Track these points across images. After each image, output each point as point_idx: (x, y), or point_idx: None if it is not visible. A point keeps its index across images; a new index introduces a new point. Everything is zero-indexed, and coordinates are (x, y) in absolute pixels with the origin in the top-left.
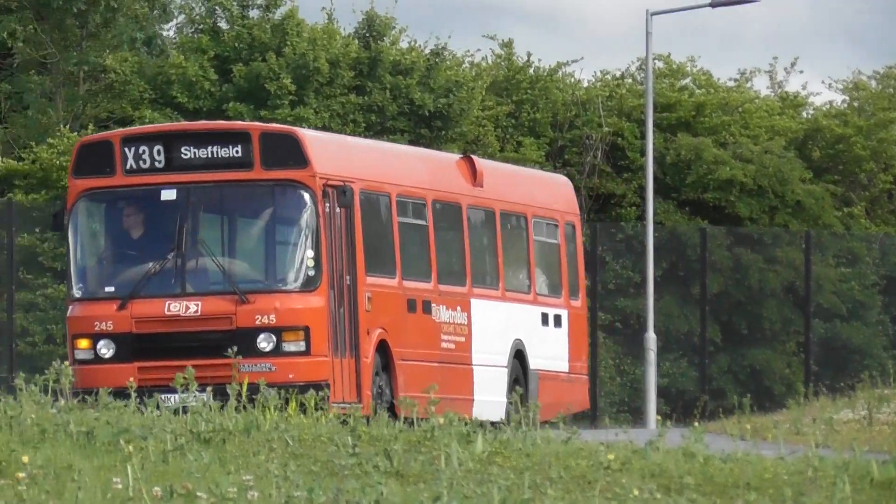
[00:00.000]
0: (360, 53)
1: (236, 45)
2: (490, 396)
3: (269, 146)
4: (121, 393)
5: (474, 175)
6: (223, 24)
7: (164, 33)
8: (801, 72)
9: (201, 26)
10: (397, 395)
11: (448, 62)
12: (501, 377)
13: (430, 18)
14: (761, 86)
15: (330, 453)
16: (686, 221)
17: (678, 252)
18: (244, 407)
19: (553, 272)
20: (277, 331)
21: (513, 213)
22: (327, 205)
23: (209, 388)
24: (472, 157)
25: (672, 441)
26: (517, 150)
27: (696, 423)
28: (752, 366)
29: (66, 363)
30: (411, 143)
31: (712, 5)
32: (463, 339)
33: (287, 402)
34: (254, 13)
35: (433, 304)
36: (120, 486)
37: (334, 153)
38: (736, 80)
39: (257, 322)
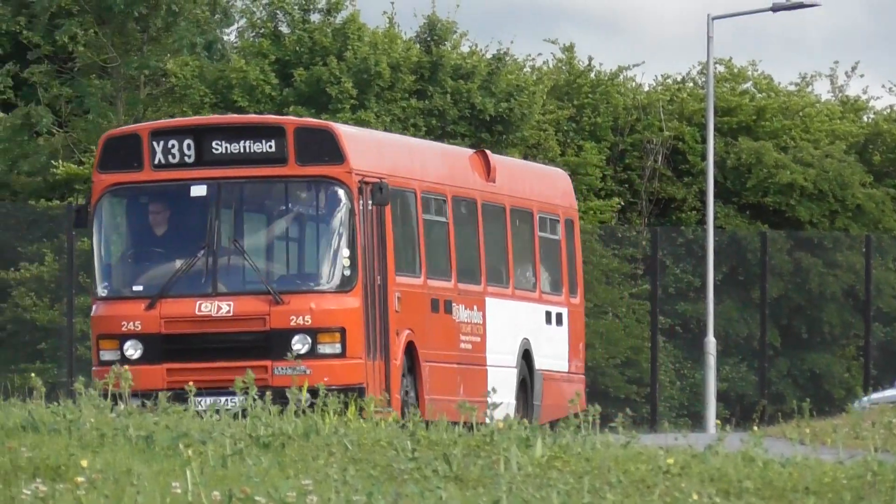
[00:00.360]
0: (422, 58)
1: (297, 49)
2: (503, 398)
3: (305, 141)
4: (147, 396)
5: (488, 170)
6: (284, 29)
7: (225, 37)
8: (862, 76)
9: (262, 30)
10: (422, 397)
11: (509, 66)
12: (511, 378)
13: (491, 23)
14: (822, 90)
15: (389, 457)
16: (746, 225)
17: (738, 256)
18: (304, 411)
19: (554, 269)
20: (313, 332)
21: (521, 208)
22: (362, 202)
23: (253, 392)
24: (486, 151)
25: (731, 445)
26: (577, 155)
27: (756, 428)
28: (811, 370)
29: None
30: (472, 147)
31: (773, 9)
32: (479, 339)
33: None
34: (315, 17)
35: (454, 304)
36: (179, 491)
37: (367, 148)
38: (797, 84)
39: (292, 323)
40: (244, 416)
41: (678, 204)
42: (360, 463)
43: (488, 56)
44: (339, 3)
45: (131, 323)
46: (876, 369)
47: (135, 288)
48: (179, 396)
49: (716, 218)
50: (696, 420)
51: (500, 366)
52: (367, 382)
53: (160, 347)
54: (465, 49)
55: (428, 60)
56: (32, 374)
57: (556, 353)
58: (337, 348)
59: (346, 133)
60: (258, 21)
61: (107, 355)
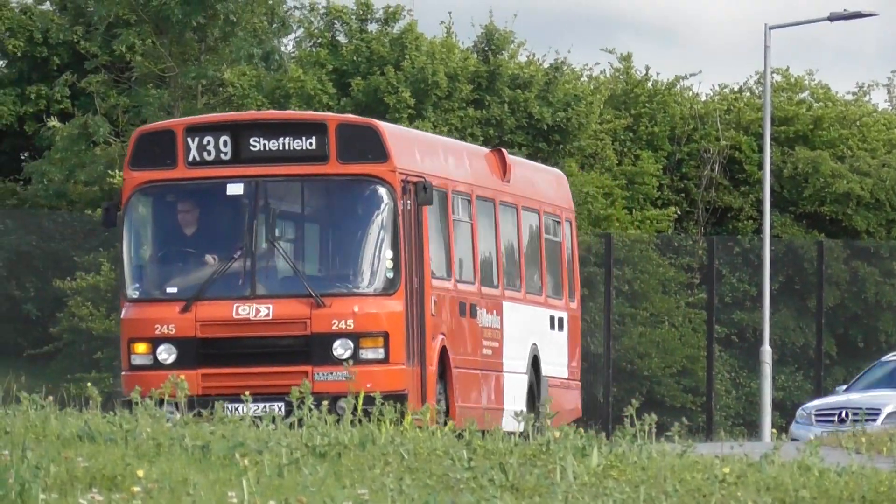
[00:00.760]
0: (479, 67)
1: (355, 58)
2: (514, 405)
3: (347, 138)
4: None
5: (504, 170)
6: (342, 38)
7: (283, 47)
8: None
9: (320, 40)
10: (453, 404)
11: (566, 76)
12: (523, 385)
13: (548, 32)
14: (879, 99)
15: (445, 467)
16: (803, 235)
17: (795, 265)
18: (359, 421)
19: (556, 272)
20: (355, 337)
21: (530, 209)
22: (404, 202)
23: (309, 402)
24: (502, 150)
25: (787, 454)
26: (634, 164)
27: (812, 437)
28: None
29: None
30: (529, 157)
31: (830, 19)
32: (497, 344)
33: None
34: (372, 27)
35: (478, 308)
36: (235, 501)
37: (408, 146)
38: (854, 93)
39: (334, 327)
40: (299, 425)
41: (735, 213)
42: (416, 472)
43: (545, 65)
44: (396, 12)
45: (165, 326)
46: None
47: (168, 290)
48: (214, 403)
49: (772, 227)
50: (751, 429)
51: (514, 372)
52: (409, 389)
53: (195, 352)
54: (522, 58)
55: (485, 70)
56: (88, 384)
57: (558, 359)
58: (380, 353)
59: (390, 130)
60: (315, 31)
61: (138, 360)
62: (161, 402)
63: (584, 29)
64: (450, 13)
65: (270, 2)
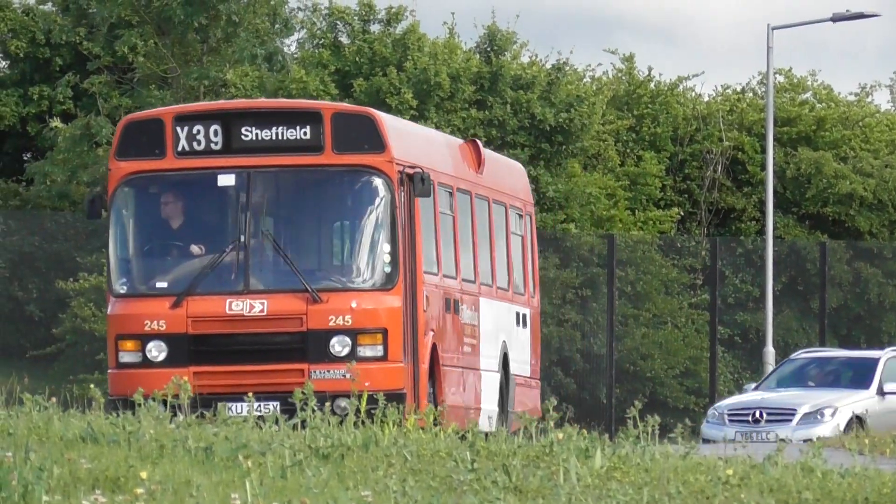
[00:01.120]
0: (482, 68)
1: (357, 59)
2: (489, 405)
3: (343, 128)
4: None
5: (479, 161)
6: (344, 39)
7: (285, 48)
8: None
9: (322, 41)
10: (441, 403)
11: (569, 76)
12: (496, 383)
13: (550, 33)
14: (881, 100)
15: (449, 468)
16: (806, 235)
17: (798, 266)
18: (362, 422)
19: (520, 267)
20: (353, 333)
21: (499, 202)
22: (401, 193)
23: (313, 403)
24: (477, 141)
25: (790, 456)
26: (637, 165)
27: (815, 438)
28: None
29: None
30: (532, 157)
31: (833, 19)
32: (475, 342)
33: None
34: (375, 28)
35: (460, 304)
36: (238, 502)
37: (405, 136)
38: (856, 94)
39: (331, 324)
40: (302, 427)
41: (737, 214)
42: (419, 474)
43: (548, 66)
44: (399, 13)
45: (155, 322)
46: None
47: (158, 285)
48: (207, 402)
49: (775, 228)
50: None
51: (489, 370)
52: (406, 388)
53: (187, 349)
54: (524, 59)
55: (488, 71)
56: (91, 385)
57: (522, 356)
58: (379, 351)
59: (387, 120)
60: (318, 31)
61: (126, 357)
62: (163, 403)
63: (587, 29)
64: (452, 14)
65: (273, 2)
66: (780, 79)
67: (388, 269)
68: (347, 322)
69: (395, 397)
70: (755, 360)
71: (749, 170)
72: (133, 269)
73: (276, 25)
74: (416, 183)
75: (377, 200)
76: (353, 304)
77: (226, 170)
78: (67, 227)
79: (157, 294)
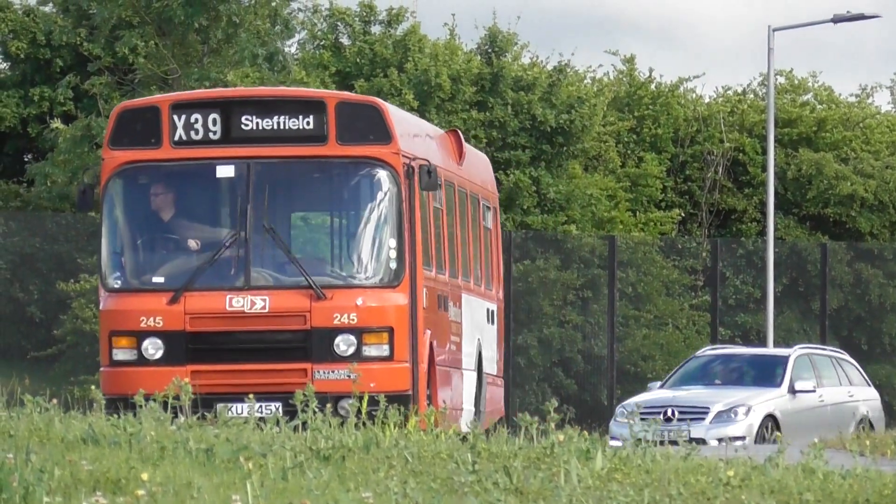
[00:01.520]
0: (483, 69)
1: (358, 60)
2: (468, 405)
3: (347, 118)
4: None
5: (460, 153)
6: (345, 40)
7: (286, 49)
8: None
9: (323, 42)
10: (436, 404)
11: (570, 78)
12: (473, 382)
13: (551, 34)
14: (882, 101)
15: (450, 470)
16: (806, 237)
17: (798, 267)
18: (363, 423)
19: (489, 262)
20: (358, 332)
21: (474, 194)
22: (407, 186)
23: (314, 405)
24: (458, 131)
25: (792, 457)
26: (638, 166)
27: (816, 440)
28: (872, 381)
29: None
30: (533, 159)
31: (834, 20)
32: (459, 339)
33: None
34: (376, 29)
35: (448, 301)
36: None
37: (409, 127)
38: (857, 95)
39: (335, 322)
40: (304, 429)
41: (738, 215)
42: (420, 476)
43: (549, 67)
44: (399, 14)
45: (151, 319)
46: None
47: (155, 280)
48: (205, 402)
49: (776, 229)
50: None
51: (468, 369)
52: (411, 389)
53: (185, 347)
54: (525, 60)
55: (489, 72)
56: (92, 387)
57: (491, 354)
58: (384, 350)
59: (392, 110)
60: (319, 33)
61: (120, 355)
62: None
63: (588, 31)
64: (453, 15)
65: (274, 3)
66: (781, 80)
67: (394, 266)
68: (353, 320)
69: (401, 399)
70: None
71: (750, 171)
72: (128, 263)
73: (277, 27)
74: (422, 176)
75: (383, 194)
76: (359, 302)
77: (225, 160)
78: (68, 229)
79: (153, 289)
